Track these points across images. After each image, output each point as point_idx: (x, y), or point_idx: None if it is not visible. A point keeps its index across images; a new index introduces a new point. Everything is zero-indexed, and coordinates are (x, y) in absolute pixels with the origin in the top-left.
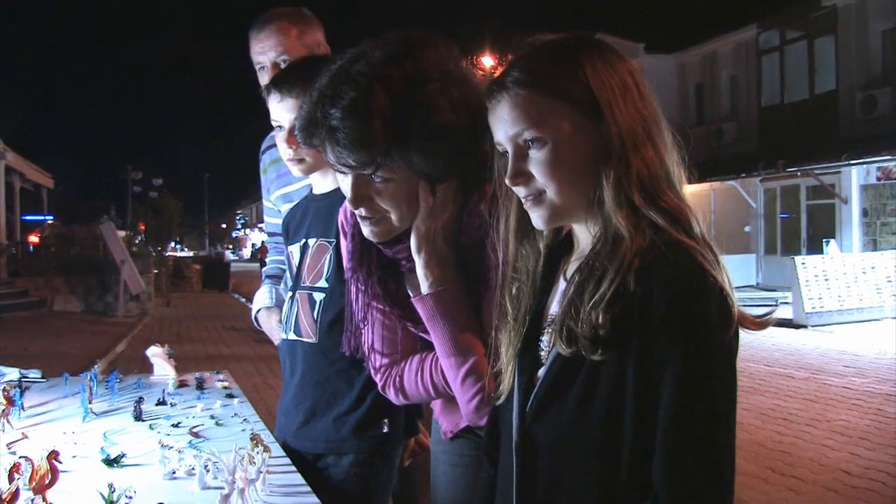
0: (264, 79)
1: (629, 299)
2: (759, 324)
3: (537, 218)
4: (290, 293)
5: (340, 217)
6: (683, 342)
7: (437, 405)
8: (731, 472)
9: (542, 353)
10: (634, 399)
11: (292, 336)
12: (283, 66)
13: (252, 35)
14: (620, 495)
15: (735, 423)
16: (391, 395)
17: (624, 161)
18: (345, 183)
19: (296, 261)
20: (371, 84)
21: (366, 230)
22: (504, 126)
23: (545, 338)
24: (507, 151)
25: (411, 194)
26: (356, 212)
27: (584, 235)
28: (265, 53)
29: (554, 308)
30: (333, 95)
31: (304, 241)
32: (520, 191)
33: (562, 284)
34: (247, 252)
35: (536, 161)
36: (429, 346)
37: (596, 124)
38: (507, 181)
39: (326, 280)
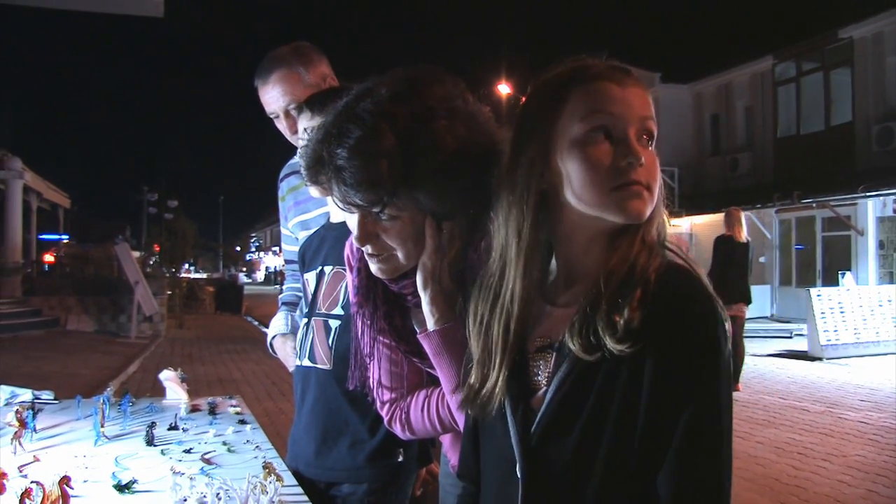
0: (281, 125)
1: (649, 306)
2: None
3: (642, 206)
4: (304, 319)
5: (347, 251)
6: (700, 360)
7: (445, 439)
8: (730, 484)
9: (538, 378)
10: (647, 417)
11: (307, 362)
12: (294, 112)
13: (258, 86)
14: None
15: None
16: (397, 429)
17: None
18: (351, 220)
19: (311, 288)
20: (377, 123)
21: (373, 267)
22: (639, 105)
23: (540, 362)
24: (600, 129)
25: (418, 232)
26: (363, 249)
27: (583, 255)
28: (275, 103)
29: (541, 331)
30: (339, 134)
31: (320, 268)
32: (633, 173)
33: (545, 308)
34: (260, 275)
35: (650, 154)
36: (435, 381)
37: None
38: (633, 154)
39: (342, 308)
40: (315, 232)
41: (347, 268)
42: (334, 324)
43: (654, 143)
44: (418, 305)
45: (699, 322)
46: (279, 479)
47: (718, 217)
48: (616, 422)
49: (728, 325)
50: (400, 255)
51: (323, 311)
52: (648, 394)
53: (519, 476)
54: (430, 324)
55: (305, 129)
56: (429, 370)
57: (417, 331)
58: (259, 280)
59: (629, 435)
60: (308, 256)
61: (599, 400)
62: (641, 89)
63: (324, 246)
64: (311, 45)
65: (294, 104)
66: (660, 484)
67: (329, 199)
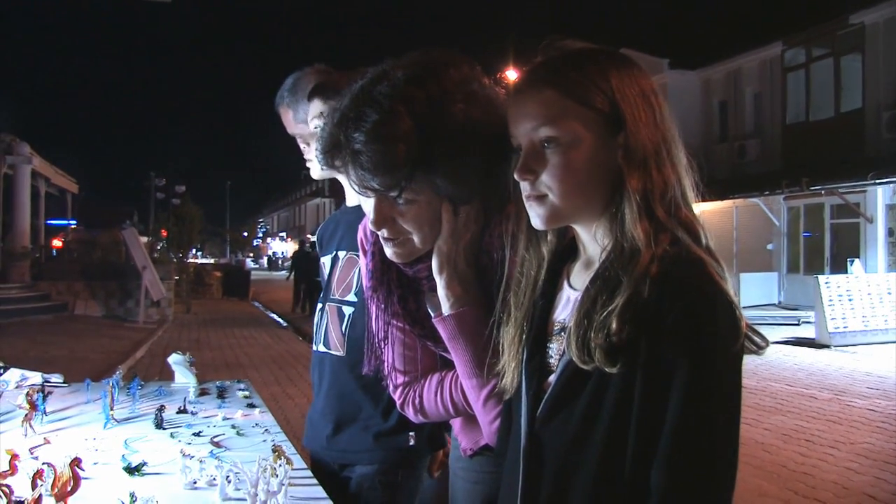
0: (301, 145)
1: (642, 307)
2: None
3: (535, 217)
4: (319, 305)
5: (360, 234)
6: (692, 350)
7: (456, 423)
8: (730, 479)
9: (552, 360)
10: (641, 405)
11: (321, 348)
12: (298, 140)
13: None
14: (622, 501)
15: (738, 432)
16: (410, 413)
17: (648, 174)
18: (367, 204)
19: (326, 272)
20: (394, 106)
21: (388, 251)
22: (523, 120)
23: (554, 345)
24: (520, 146)
25: (434, 215)
26: (378, 233)
27: (591, 242)
28: (286, 128)
29: (559, 314)
30: (356, 118)
31: (334, 252)
32: (525, 187)
33: (566, 291)
34: (267, 261)
35: (548, 161)
36: (449, 365)
37: (614, 136)
38: (515, 175)
39: (356, 294)
40: (332, 216)
41: (361, 252)
42: (348, 310)
43: (562, 143)
44: (433, 289)
45: (694, 310)
46: (289, 462)
47: (726, 204)
48: (612, 415)
49: (740, 316)
50: (416, 238)
51: (336, 296)
52: (642, 384)
53: (521, 457)
54: (446, 308)
55: (322, 114)
56: (443, 353)
57: (432, 314)
58: (265, 265)
59: (625, 427)
60: (325, 240)
61: (597, 391)
62: (535, 97)
63: (338, 230)
64: (318, 75)
65: (295, 135)
66: (651, 478)
67: (345, 182)
